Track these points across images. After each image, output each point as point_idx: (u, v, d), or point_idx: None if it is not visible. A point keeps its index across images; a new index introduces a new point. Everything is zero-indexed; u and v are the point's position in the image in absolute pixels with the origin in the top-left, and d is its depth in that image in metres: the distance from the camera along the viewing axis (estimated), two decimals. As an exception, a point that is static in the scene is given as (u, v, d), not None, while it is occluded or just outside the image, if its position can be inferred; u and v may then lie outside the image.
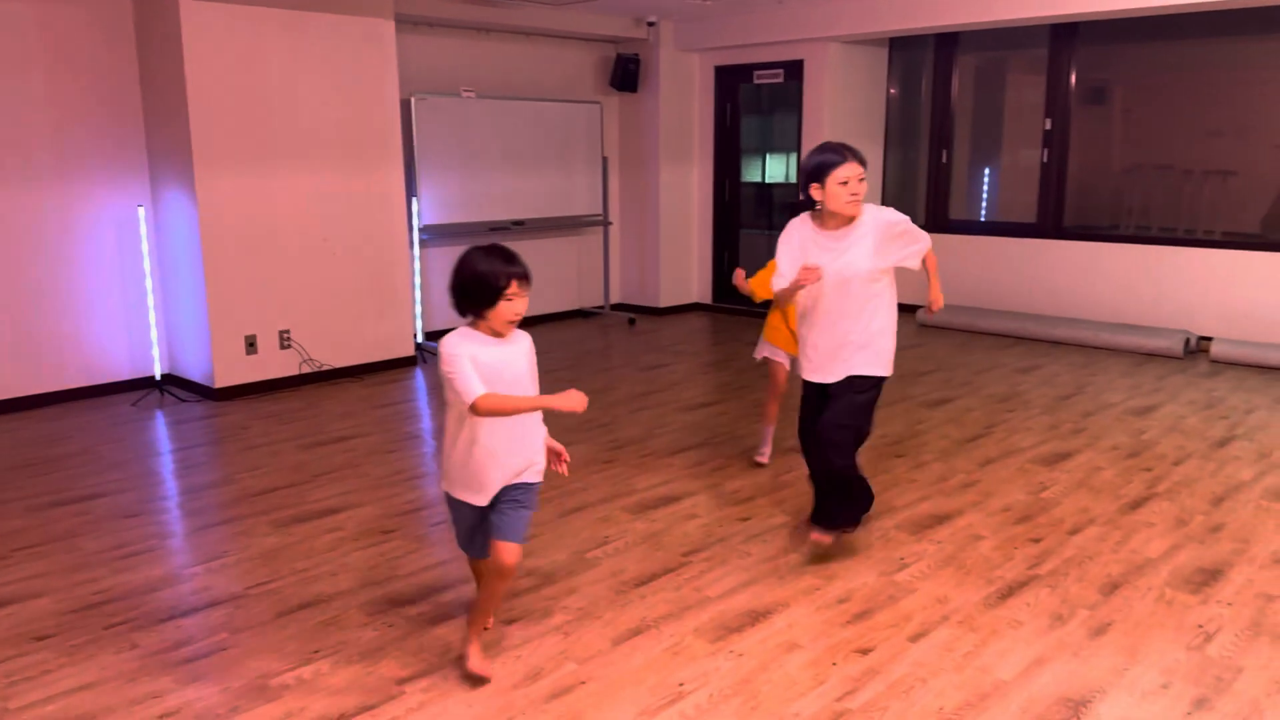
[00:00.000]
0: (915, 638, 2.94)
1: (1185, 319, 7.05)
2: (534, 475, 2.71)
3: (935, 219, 8.42)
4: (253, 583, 3.35)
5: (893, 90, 8.53)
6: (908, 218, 3.33)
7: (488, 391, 2.54)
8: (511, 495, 2.67)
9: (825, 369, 3.41)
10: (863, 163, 3.21)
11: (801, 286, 3.23)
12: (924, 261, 3.42)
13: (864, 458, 4.64)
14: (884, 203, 8.56)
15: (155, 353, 6.03)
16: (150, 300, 5.96)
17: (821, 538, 3.43)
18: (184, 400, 5.85)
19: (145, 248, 5.92)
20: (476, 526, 2.77)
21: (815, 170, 3.21)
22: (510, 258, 2.54)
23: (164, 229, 5.97)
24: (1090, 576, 3.35)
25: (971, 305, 8.05)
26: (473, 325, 2.59)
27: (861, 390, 3.36)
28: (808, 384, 3.54)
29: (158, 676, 2.76)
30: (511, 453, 2.66)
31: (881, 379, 3.41)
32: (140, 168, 5.94)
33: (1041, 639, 2.93)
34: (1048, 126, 7.69)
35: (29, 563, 3.54)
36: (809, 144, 7.97)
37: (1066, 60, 7.54)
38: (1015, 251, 7.85)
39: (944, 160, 8.34)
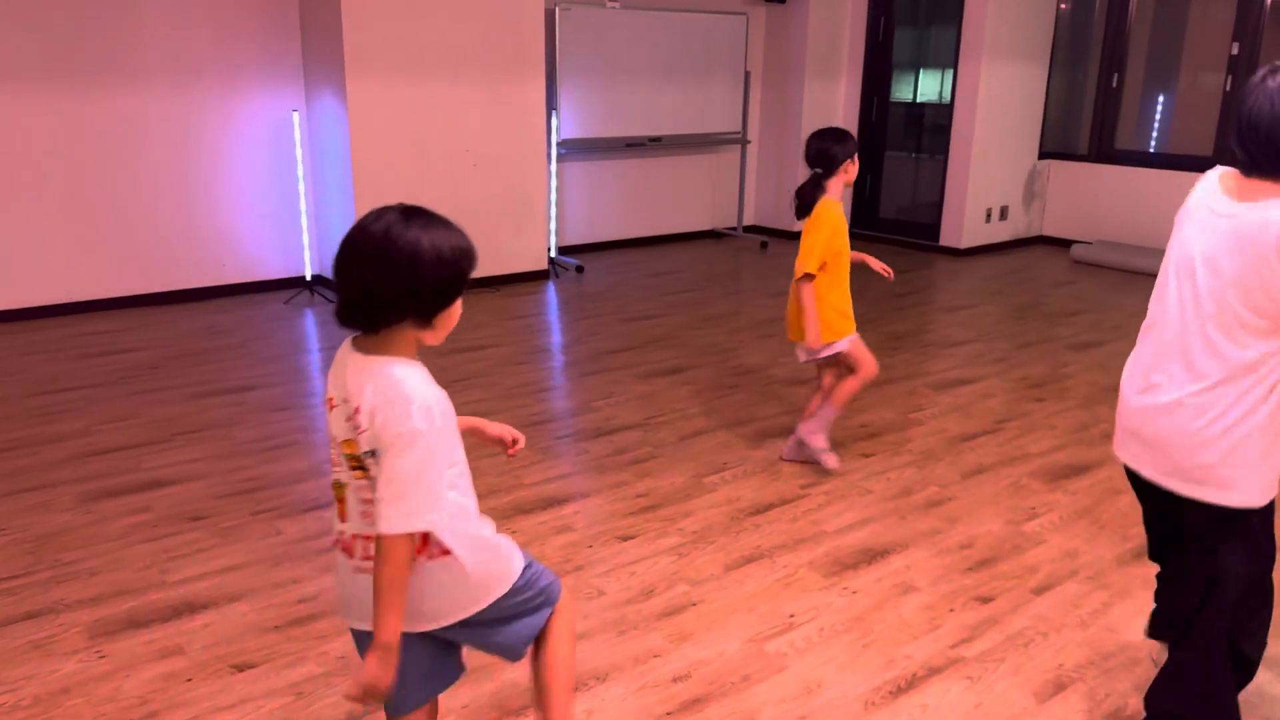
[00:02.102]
0: (1040, 590, 2.85)
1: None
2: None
3: (1100, 147, 7.87)
4: (387, 482, 3.51)
5: (1063, 5, 7.92)
6: None
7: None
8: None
9: (1139, 448, 1.99)
10: None
11: None
12: None
13: (998, 401, 4.48)
14: (1044, 128, 8.05)
15: (306, 255, 6.31)
16: (302, 204, 6.21)
17: None
18: (332, 301, 6.12)
19: (299, 152, 6.14)
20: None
21: None
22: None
23: (316, 134, 6.18)
24: (1237, 542, 3.16)
25: (1130, 243, 7.55)
26: (408, 353, 1.59)
27: (1207, 529, 1.94)
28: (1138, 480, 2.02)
29: (298, 563, 2.95)
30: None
31: (1235, 513, 1.90)
32: (296, 74, 6.13)
33: (1176, 603, 2.80)
34: (1234, 51, 7.02)
35: (188, 447, 3.82)
36: (967, 60, 7.52)
37: (1266, -25, 6.82)
38: (1186, 187, 7.12)
39: (1114, 84, 7.75)
